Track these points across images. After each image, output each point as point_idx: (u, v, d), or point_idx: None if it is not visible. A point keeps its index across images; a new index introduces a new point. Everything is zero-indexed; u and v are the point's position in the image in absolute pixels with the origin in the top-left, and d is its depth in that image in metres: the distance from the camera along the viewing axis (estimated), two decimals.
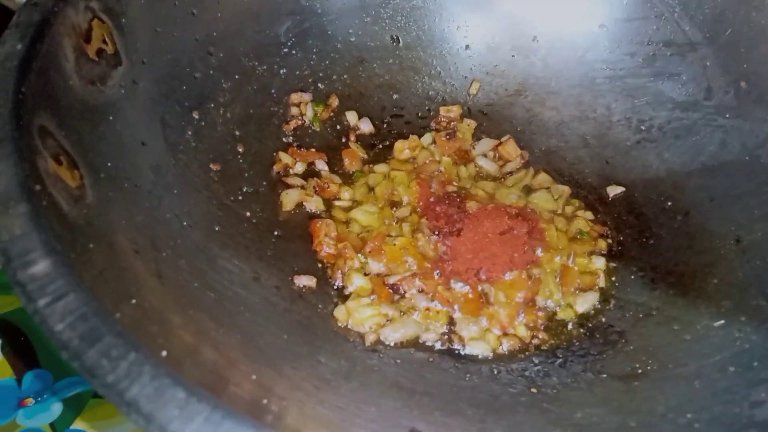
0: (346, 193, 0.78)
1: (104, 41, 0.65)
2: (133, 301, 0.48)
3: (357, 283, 0.69)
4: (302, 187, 0.77)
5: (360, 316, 0.66)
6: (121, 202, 0.59)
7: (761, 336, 0.61)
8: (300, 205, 0.76)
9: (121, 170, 0.61)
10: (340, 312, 0.66)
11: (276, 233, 0.72)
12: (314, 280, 0.68)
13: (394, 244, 0.73)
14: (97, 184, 0.57)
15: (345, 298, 0.68)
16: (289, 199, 0.75)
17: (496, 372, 0.63)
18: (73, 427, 0.72)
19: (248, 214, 0.71)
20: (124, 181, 0.61)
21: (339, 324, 0.66)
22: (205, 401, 0.37)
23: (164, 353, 0.43)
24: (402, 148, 0.83)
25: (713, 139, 0.79)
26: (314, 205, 0.76)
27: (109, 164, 0.60)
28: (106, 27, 0.66)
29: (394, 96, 0.89)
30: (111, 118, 0.63)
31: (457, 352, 0.65)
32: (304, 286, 0.68)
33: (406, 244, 0.73)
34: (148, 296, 0.51)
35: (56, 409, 0.74)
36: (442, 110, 0.87)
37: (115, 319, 0.40)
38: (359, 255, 0.71)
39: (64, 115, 0.58)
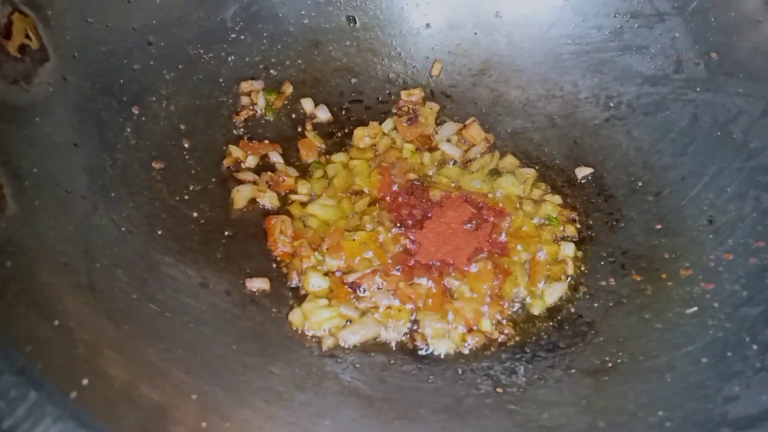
0: (302, 187, 0.74)
1: (27, 36, 0.61)
2: (56, 322, 0.44)
3: (314, 282, 0.66)
4: (255, 183, 0.73)
5: (317, 319, 0.63)
6: (49, 210, 0.55)
7: (735, 323, 0.59)
8: (253, 201, 0.72)
9: (50, 176, 0.57)
10: (295, 316, 0.63)
11: (226, 233, 0.68)
12: (268, 282, 0.65)
13: (354, 240, 0.69)
14: (21, 192, 0.53)
15: (301, 300, 0.65)
16: (240, 196, 0.71)
17: (460, 372, 0.60)
18: None
19: (195, 214, 0.67)
20: (54, 187, 0.57)
21: (294, 329, 0.62)
22: None
23: (85, 381, 0.40)
24: (362, 136, 0.79)
25: (684, 114, 0.76)
26: (268, 200, 0.72)
27: (36, 170, 0.56)
28: (29, 20, 0.61)
29: (353, 80, 0.84)
30: (38, 119, 0.59)
31: (419, 352, 0.62)
32: (257, 290, 0.64)
33: (366, 239, 0.69)
34: (75, 315, 0.47)
35: None
36: (404, 94, 0.83)
37: (19, 353, 0.36)
38: (316, 253, 0.68)
39: None
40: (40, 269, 0.49)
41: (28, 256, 0.49)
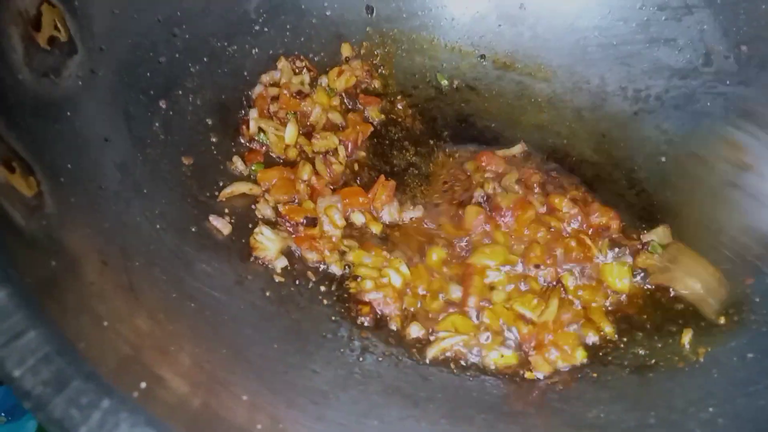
0: None
1: (56, 27, 0.59)
2: (105, 323, 0.43)
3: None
4: None
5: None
6: (84, 207, 0.54)
7: None
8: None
9: (83, 172, 0.56)
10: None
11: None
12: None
13: None
14: (57, 189, 0.52)
15: (337, 296, 0.63)
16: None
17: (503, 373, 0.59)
18: None
19: (226, 210, 0.66)
20: (87, 183, 0.56)
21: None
22: None
23: (143, 384, 0.39)
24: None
25: (714, 107, 0.75)
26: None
27: (69, 166, 0.55)
28: (57, 11, 0.59)
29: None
30: (68, 113, 0.57)
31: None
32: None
33: None
34: (120, 315, 0.46)
35: (31, 426, 0.69)
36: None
37: (83, 355, 0.34)
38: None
39: (14, 114, 0.52)
40: (82, 269, 0.48)
41: (70, 255, 0.47)
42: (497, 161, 0.73)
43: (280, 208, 0.67)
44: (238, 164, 0.70)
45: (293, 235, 0.66)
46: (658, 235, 0.67)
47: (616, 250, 0.66)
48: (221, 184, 0.67)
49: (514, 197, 0.68)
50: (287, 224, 0.66)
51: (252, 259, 0.63)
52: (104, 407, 0.33)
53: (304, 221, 0.67)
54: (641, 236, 0.68)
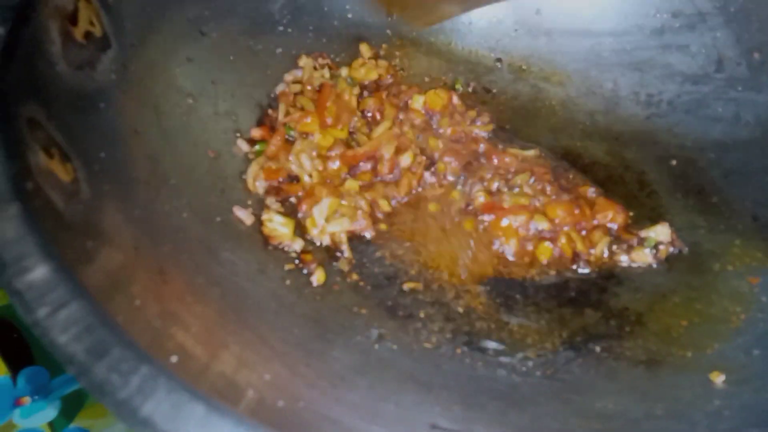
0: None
1: (91, 23, 0.62)
2: (137, 302, 0.45)
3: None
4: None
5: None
6: (117, 195, 0.56)
7: None
8: None
9: (115, 161, 0.58)
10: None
11: None
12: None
13: None
14: (92, 177, 0.54)
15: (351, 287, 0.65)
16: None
17: (513, 361, 0.61)
18: (72, 425, 0.70)
19: (249, 201, 0.68)
20: (119, 172, 0.58)
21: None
22: (227, 416, 0.34)
23: (174, 358, 0.41)
24: None
25: (726, 112, 0.77)
26: None
27: (103, 155, 0.57)
28: (93, 7, 0.62)
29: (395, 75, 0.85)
30: (102, 105, 0.60)
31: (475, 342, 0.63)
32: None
33: None
34: (151, 296, 0.48)
35: (54, 407, 0.71)
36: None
37: (121, 327, 0.37)
38: None
39: (52, 104, 0.54)
40: (116, 251, 0.50)
41: (104, 238, 0.50)
42: (510, 159, 0.75)
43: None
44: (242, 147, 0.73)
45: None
46: (657, 232, 0.69)
47: (614, 246, 0.68)
48: (244, 177, 0.70)
49: (520, 199, 0.70)
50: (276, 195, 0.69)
51: (271, 248, 0.65)
52: (143, 373, 0.35)
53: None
54: (639, 233, 0.69)
